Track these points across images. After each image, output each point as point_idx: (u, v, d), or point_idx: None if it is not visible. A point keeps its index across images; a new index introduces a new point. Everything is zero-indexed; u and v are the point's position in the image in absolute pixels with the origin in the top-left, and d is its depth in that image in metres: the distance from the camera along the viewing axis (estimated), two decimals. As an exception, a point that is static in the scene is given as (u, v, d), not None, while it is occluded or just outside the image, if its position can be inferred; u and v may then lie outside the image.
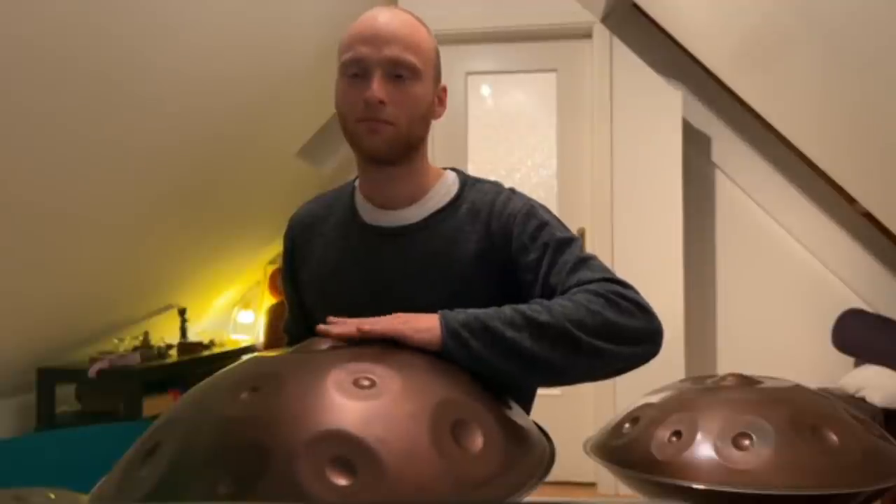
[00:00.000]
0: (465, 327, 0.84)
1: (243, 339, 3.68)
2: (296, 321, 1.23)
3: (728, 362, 3.21)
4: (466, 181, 1.12)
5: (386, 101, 0.98)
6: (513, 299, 0.91)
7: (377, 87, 0.97)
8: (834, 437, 0.87)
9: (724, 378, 1.02)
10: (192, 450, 0.63)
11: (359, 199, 1.12)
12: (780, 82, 2.57)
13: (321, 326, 0.85)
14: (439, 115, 1.10)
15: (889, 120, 2.10)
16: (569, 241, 1.01)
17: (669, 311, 2.92)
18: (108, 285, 2.76)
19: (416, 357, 0.78)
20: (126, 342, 3.00)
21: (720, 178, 3.26)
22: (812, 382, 1.38)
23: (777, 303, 3.19)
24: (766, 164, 3.20)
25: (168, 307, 3.26)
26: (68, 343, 2.83)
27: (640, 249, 3.05)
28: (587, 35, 3.17)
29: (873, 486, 0.83)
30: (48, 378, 2.73)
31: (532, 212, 1.05)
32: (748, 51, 2.54)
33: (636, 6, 3.15)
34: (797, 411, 0.90)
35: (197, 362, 3.09)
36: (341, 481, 0.58)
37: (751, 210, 3.23)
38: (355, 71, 0.99)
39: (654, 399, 1.00)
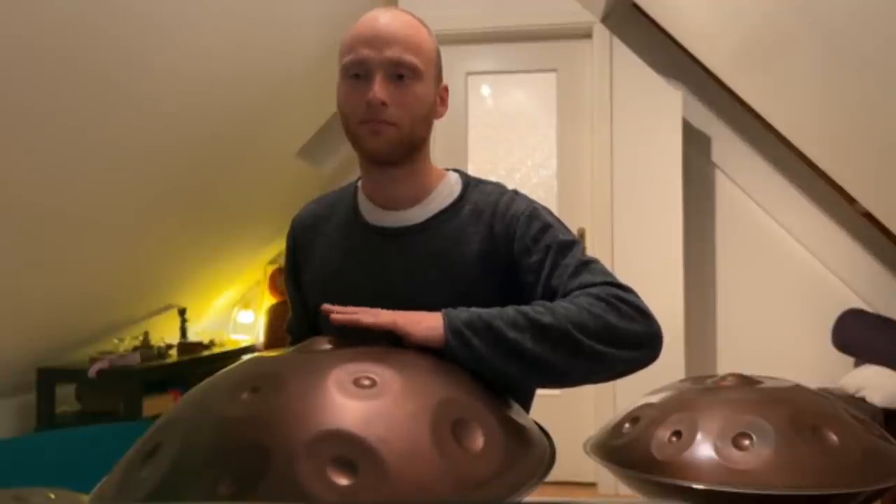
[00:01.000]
0: (467, 326, 0.84)
1: (243, 339, 3.68)
2: (298, 321, 1.23)
3: (728, 362, 3.21)
4: (469, 182, 1.12)
5: (388, 103, 0.98)
6: (514, 300, 0.91)
7: (379, 89, 0.97)
8: (834, 437, 0.87)
9: (724, 378, 1.02)
10: (193, 450, 0.63)
11: (361, 199, 1.13)
12: (780, 82, 2.57)
13: (325, 305, 0.85)
14: (441, 115, 1.10)
15: (889, 120, 2.10)
16: (571, 244, 1.02)
17: (669, 312, 2.92)
18: (108, 285, 2.76)
19: (416, 357, 0.78)
20: (126, 342, 3.00)
21: (720, 178, 3.27)
22: (812, 382, 1.38)
23: (777, 303, 3.19)
24: (766, 164, 3.20)
25: (168, 307, 3.26)
26: (68, 343, 2.83)
27: (640, 249, 3.05)
28: (587, 35, 3.17)
29: (873, 486, 0.83)
30: (48, 378, 2.73)
31: (535, 214, 1.05)
32: (748, 51, 2.54)
33: (636, 6, 3.15)
34: (797, 411, 0.90)
35: (197, 362, 3.09)
36: (342, 481, 0.58)
37: (751, 210, 3.23)
38: (357, 72, 0.99)
39: (654, 399, 1.00)
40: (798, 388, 0.99)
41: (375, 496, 0.58)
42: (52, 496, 0.94)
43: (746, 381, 1.00)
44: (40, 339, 2.66)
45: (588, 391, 3.05)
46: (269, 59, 2.68)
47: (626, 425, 0.98)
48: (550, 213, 1.08)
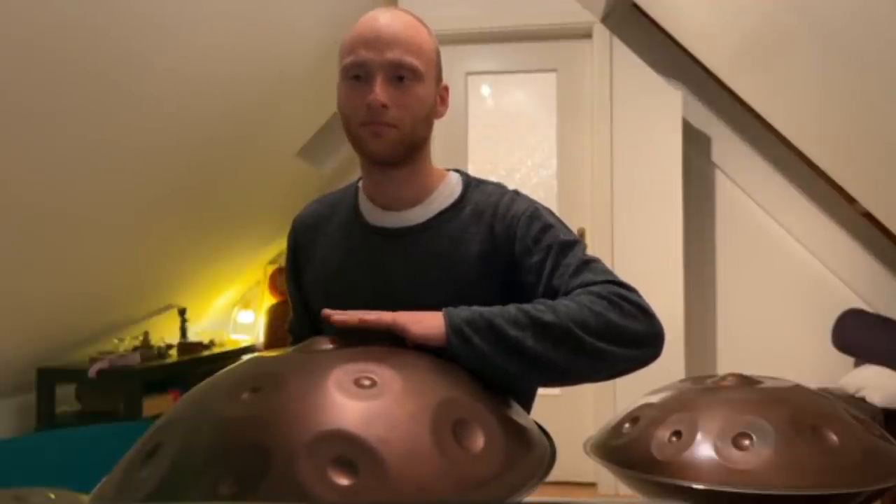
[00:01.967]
0: (469, 324, 0.84)
1: (243, 339, 3.68)
2: (300, 322, 1.23)
3: (728, 362, 3.21)
4: (470, 182, 1.12)
5: (388, 105, 0.98)
6: (515, 301, 0.91)
7: (380, 91, 0.97)
8: (834, 437, 0.87)
9: (724, 378, 1.02)
10: (193, 450, 0.63)
11: (362, 199, 1.13)
12: (780, 82, 2.57)
13: (326, 310, 0.85)
14: (441, 115, 1.10)
15: (889, 120, 2.10)
16: (572, 244, 1.02)
17: (669, 311, 2.92)
18: (108, 285, 2.76)
19: (417, 357, 0.78)
20: (126, 342, 3.00)
21: (720, 178, 3.27)
22: (812, 382, 1.38)
23: (777, 303, 3.19)
24: (766, 164, 3.20)
25: (168, 307, 3.26)
26: (68, 343, 2.84)
27: (640, 249, 3.05)
28: (587, 35, 3.17)
29: (873, 486, 0.83)
30: (48, 378, 2.73)
31: (536, 214, 1.05)
32: (748, 50, 2.54)
33: (636, 6, 3.15)
34: (797, 411, 0.90)
35: (197, 362, 3.09)
36: (342, 481, 0.58)
37: (751, 210, 3.23)
38: (357, 74, 1.00)
39: (654, 399, 1.00)
40: (798, 388, 0.99)
41: (375, 496, 0.58)
42: (52, 496, 0.94)
43: (746, 381, 1.00)
44: (40, 339, 2.66)
45: (588, 391, 3.05)
46: (269, 60, 2.68)
47: (626, 425, 0.98)
48: (551, 213, 1.08)
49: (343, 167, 3.58)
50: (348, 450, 0.60)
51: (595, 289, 0.92)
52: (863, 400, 2.56)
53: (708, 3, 2.53)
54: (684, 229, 3.05)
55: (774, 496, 0.81)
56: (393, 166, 1.04)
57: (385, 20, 1.00)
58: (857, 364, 2.89)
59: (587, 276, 0.96)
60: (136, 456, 0.67)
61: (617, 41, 3.13)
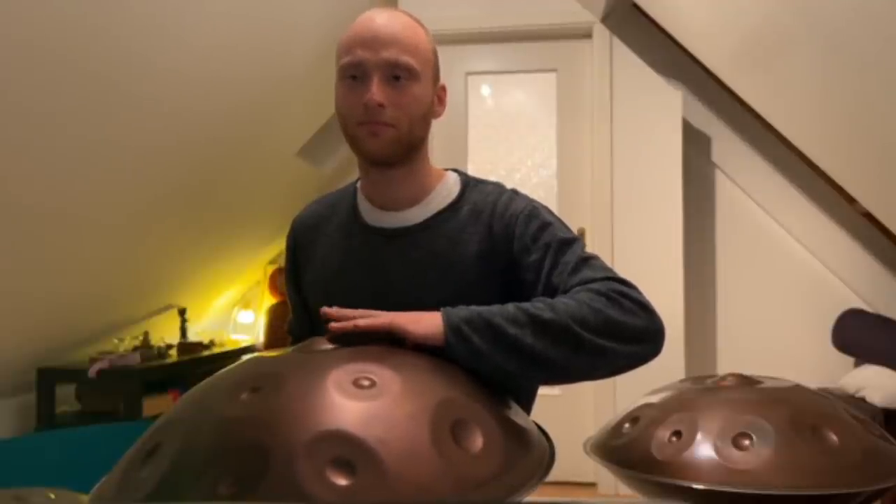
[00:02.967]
0: (467, 323, 0.84)
1: (243, 339, 3.68)
2: (299, 322, 1.23)
3: (728, 362, 3.21)
4: (468, 182, 1.13)
5: (385, 104, 0.98)
6: (515, 300, 0.91)
7: (376, 91, 0.97)
8: (834, 437, 0.87)
9: (724, 378, 1.02)
10: (193, 450, 0.63)
11: (360, 199, 1.13)
12: (780, 82, 2.57)
13: (325, 308, 0.85)
14: (439, 115, 1.10)
15: (889, 120, 2.10)
16: (571, 242, 1.02)
17: (669, 311, 2.92)
18: (108, 285, 2.76)
19: (416, 357, 0.78)
20: (126, 342, 3.00)
21: (720, 178, 3.26)
22: (812, 382, 1.38)
23: (777, 303, 3.19)
24: (766, 164, 3.20)
25: (168, 307, 3.26)
26: (68, 343, 2.84)
27: (640, 249, 3.05)
28: (587, 35, 3.17)
29: (873, 486, 0.83)
30: (48, 378, 2.73)
31: (534, 212, 1.05)
32: (748, 51, 2.54)
33: (636, 6, 3.15)
34: (797, 411, 0.90)
35: (197, 362, 3.09)
36: (341, 481, 0.58)
37: (751, 210, 3.23)
38: (354, 74, 1.00)
39: (654, 399, 1.00)
40: (798, 388, 0.99)
41: (374, 497, 0.58)
42: (52, 496, 0.94)
43: (746, 381, 1.00)
44: (40, 339, 2.66)
45: (588, 391, 3.05)
46: (269, 59, 2.68)
47: (626, 425, 0.98)
48: (550, 211, 1.08)
49: (343, 167, 3.58)
50: (347, 450, 0.60)
51: (594, 286, 0.92)
52: (863, 400, 2.56)
53: (708, 3, 2.53)
54: (684, 229, 3.05)
55: (774, 496, 0.81)
56: (391, 166, 1.04)
57: (382, 20, 1.00)
58: (857, 364, 2.89)
59: (586, 274, 0.95)
60: (136, 456, 0.67)
61: (617, 41, 3.12)
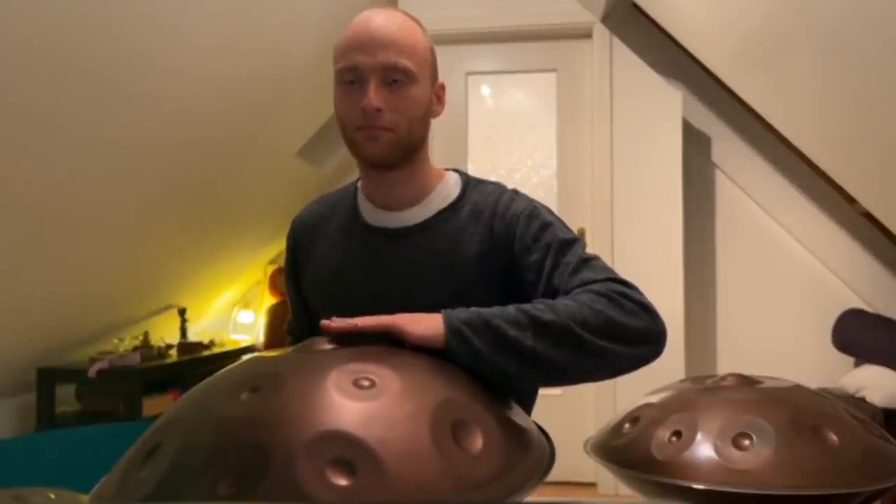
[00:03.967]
0: (467, 325, 0.83)
1: (243, 339, 3.68)
2: (299, 322, 1.23)
3: (728, 362, 3.21)
4: (469, 182, 1.12)
5: (383, 108, 0.97)
6: (516, 300, 0.91)
7: (374, 95, 0.97)
8: (834, 437, 0.87)
9: (724, 378, 1.02)
10: (193, 450, 0.63)
11: (361, 199, 1.13)
12: (780, 82, 2.57)
13: (324, 321, 0.84)
14: (438, 114, 1.10)
15: (889, 120, 2.10)
16: (572, 242, 1.01)
17: (669, 311, 2.92)
18: (108, 285, 2.76)
19: (415, 357, 0.78)
20: (126, 342, 3.00)
21: (720, 178, 3.26)
22: (812, 382, 1.38)
23: (777, 303, 3.19)
24: (766, 164, 3.20)
25: (168, 307, 3.26)
26: (68, 343, 2.83)
27: (640, 249, 3.05)
28: (587, 35, 3.17)
29: (873, 486, 0.83)
30: (48, 378, 2.73)
31: (535, 213, 1.05)
32: (748, 51, 2.54)
33: (636, 6, 3.15)
34: (797, 411, 0.90)
35: (197, 362, 3.09)
36: (341, 482, 0.58)
37: (751, 210, 3.23)
38: (351, 78, 0.99)
39: (654, 399, 1.00)
40: (798, 388, 0.99)
41: (374, 497, 0.58)
42: (52, 496, 0.94)
43: (746, 381, 1.00)
44: (40, 339, 2.66)
45: (588, 391, 3.05)
46: (269, 59, 2.68)
47: (626, 425, 0.98)
48: (550, 211, 1.08)
49: (343, 167, 3.58)
50: (347, 450, 0.60)
51: (595, 287, 0.91)
52: (863, 400, 2.56)
53: (708, 3, 2.53)
54: (684, 229, 3.05)
55: (774, 496, 0.81)
56: (391, 168, 1.04)
57: (378, 22, 0.99)
58: (857, 364, 2.89)
59: (587, 274, 0.95)
60: (136, 456, 0.67)
61: (617, 41, 3.12)
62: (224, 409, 0.66)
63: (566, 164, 3.24)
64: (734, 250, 3.24)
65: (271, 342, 3.54)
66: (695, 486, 0.83)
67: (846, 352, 2.95)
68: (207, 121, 2.58)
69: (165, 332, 3.27)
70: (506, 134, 3.32)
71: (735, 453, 0.85)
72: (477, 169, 3.26)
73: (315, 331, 1.15)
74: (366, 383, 0.67)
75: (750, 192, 3.22)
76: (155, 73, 2.22)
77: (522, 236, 1.03)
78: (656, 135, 3.07)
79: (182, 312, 3.27)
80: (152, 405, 2.78)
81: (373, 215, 1.10)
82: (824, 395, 0.99)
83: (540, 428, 0.83)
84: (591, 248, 3.41)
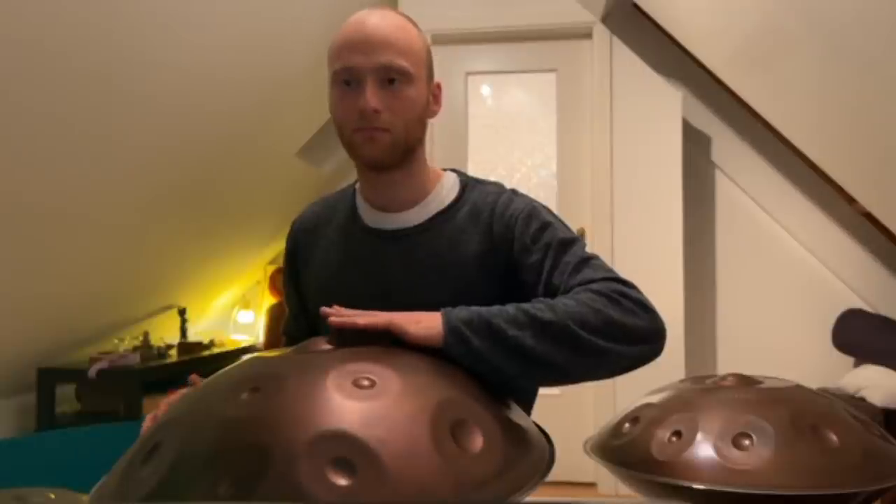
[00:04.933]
0: (466, 324, 0.83)
1: (243, 339, 3.68)
2: (297, 324, 1.23)
3: (728, 362, 3.21)
4: (467, 182, 1.12)
5: (380, 109, 0.97)
6: (515, 300, 0.90)
7: (370, 96, 0.96)
8: (834, 437, 0.87)
9: (724, 378, 1.02)
10: (193, 450, 0.63)
11: (360, 201, 1.12)
12: (780, 82, 2.57)
13: (324, 308, 0.85)
14: (435, 114, 1.09)
15: (889, 120, 2.10)
16: (571, 242, 1.01)
17: (669, 311, 2.91)
18: (108, 285, 2.76)
19: (415, 357, 0.78)
20: (126, 342, 3.00)
21: (720, 178, 3.27)
22: (812, 382, 1.38)
23: (777, 303, 3.19)
24: (766, 164, 3.20)
25: (168, 307, 3.26)
26: (68, 343, 2.84)
27: (640, 249, 3.05)
28: (587, 35, 3.17)
29: (873, 486, 0.83)
30: (48, 378, 2.73)
31: (534, 213, 1.05)
32: (748, 51, 2.54)
33: (636, 6, 3.15)
34: (797, 411, 0.90)
35: (197, 362, 3.09)
36: (341, 482, 0.58)
37: (751, 210, 3.23)
38: (347, 79, 0.99)
39: (654, 399, 1.00)
40: (798, 388, 0.99)
41: (374, 497, 0.58)
42: (52, 496, 0.94)
43: (746, 381, 1.00)
44: (40, 339, 2.66)
45: (588, 391, 3.05)
46: (269, 60, 2.68)
47: (626, 425, 0.97)
48: (550, 211, 1.08)
49: (342, 167, 3.58)
50: (347, 450, 0.60)
51: (595, 286, 0.91)
52: (863, 400, 2.56)
53: (708, 4, 2.53)
54: (684, 229, 3.05)
55: (774, 496, 0.81)
56: (388, 169, 1.04)
57: (373, 22, 0.99)
58: (857, 364, 2.89)
59: (587, 274, 0.95)
60: (136, 456, 0.67)
61: (617, 41, 3.12)
62: (224, 409, 0.66)
63: (566, 164, 3.24)
64: (734, 250, 3.25)
65: (271, 342, 3.54)
66: (695, 486, 0.83)
67: (846, 352, 2.95)
68: (208, 121, 2.58)
69: (165, 332, 3.27)
70: (506, 134, 3.32)
71: (735, 453, 0.85)
72: (477, 169, 3.26)
73: (314, 333, 1.16)
74: (366, 383, 0.67)
75: (750, 192, 3.22)
76: (155, 73, 2.22)
77: (522, 236, 1.02)
78: (656, 135, 3.07)
79: (182, 312, 3.27)
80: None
81: (371, 217, 1.10)
82: (824, 395, 0.99)
83: (539, 428, 0.83)
84: (590, 248, 3.41)
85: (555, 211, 1.10)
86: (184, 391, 0.89)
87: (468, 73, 3.31)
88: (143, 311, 3.13)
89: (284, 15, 2.60)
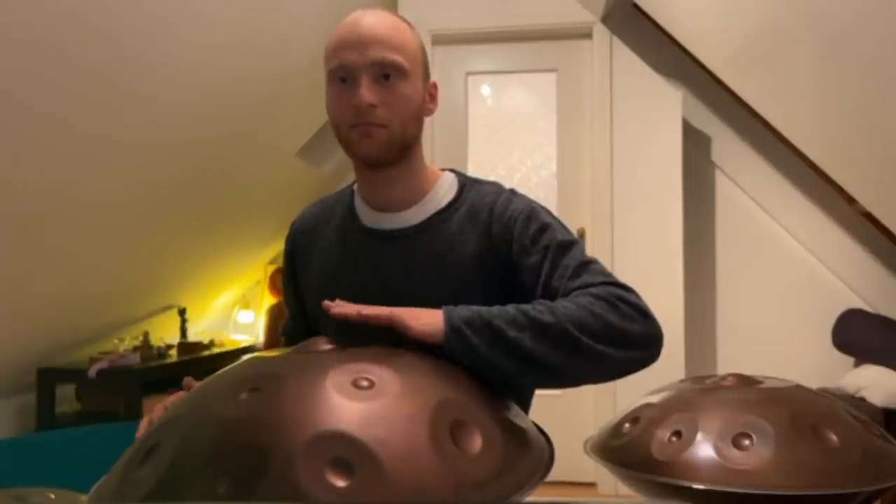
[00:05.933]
0: (467, 324, 0.84)
1: (243, 339, 3.68)
2: (296, 325, 1.23)
3: (728, 362, 3.21)
4: (465, 182, 1.12)
5: (376, 104, 0.98)
6: (514, 301, 0.91)
7: (366, 91, 0.97)
8: (834, 437, 0.87)
9: (724, 378, 1.02)
10: (192, 450, 0.63)
11: (358, 202, 1.13)
12: (780, 82, 2.57)
13: (326, 302, 0.85)
14: (431, 112, 1.09)
15: (889, 120, 2.10)
16: (570, 244, 1.01)
17: (669, 311, 2.92)
18: (108, 285, 2.76)
19: (415, 358, 0.78)
20: (126, 342, 3.00)
21: (720, 178, 3.27)
22: (812, 382, 1.38)
23: (777, 303, 3.19)
24: (766, 164, 3.20)
25: (168, 307, 3.26)
26: (68, 343, 2.84)
27: (640, 249, 3.05)
28: (587, 35, 3.17)
29: (873, 486, 0.83)
30: (48, 378, 2.73)
31: (533, 214, 1.04)
32: (748, 51, 2.54)
33: (636, 6, 3.15)
34: (797, 411, 0.90)
35: (197, 362, 3.09)
36: (340, 482, 0.58)
37: (751, 210, 3.23)
38: (343, 76, 1.00)
39: (654, 399, 1.00)
40: (798, 388, 0.99)
41: (373, 497, 0.58)
42: (52, 496, 0.94)
43: (746, 381, 1.00)
44: (40, 339, 2.66)
45: (588, 391, 3.05)
46: (269, 59, 2.68)
47: (626, 425, 0.97)
48: (549, 212, 1.08)
49: (343, 168, 3.58)
50: (346, 450, 0.60)
51: (594, 290, 0.91)
52: (863, 400, 2.56)
53: (708, 4, 2.53)
54: (684, 229, 3.05)
55: (774, 496, 0.81)
56: (386, 167, 1.04)
57: (367, 21, 1.00)
58: (857, 364, 2.89)
59: (586, 278, 0.95)
60: (135, 455, 0.67)
61: (617, 41, 3.12)
62: (223, 408, 0.66)
63: (566, 164, 3.24)
64: (734, 250, 3.24)
65: (271, 342, 3.54)
66: (695, 486, 0.83)
67: (846, 352, 2.95)
68: (207, 121, 2.58)
69: (165, 332, 3.27)
70: (506, 134, 3.32)
71: (735, 453, 0.85)
72: (477, 169, 3.26)
73: (313, 335, 1.16)
74: (365, 384, 0.67)
75: (750, 192, 3.22)
76: (155, 72, 2.22)
77: (521, 238, 1.02)
78: (656, 135, 3.07)
79: (182, 312, 3.27)
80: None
81: (369, 217, 1.10)
82: (824, 395, 0.99)
83: (539, 428, 0.83)
84: (590, 249, 3.38)
85: (555, 211, 1.10)
86: (179, 394, 0.90)
87: (468, 73, 3.31)
88: (143, 311, 3.13)
89: (284, 16, 2.60)
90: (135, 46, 2.09)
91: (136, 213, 2.59)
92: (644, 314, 0.91)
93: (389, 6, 3.09)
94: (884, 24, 1.75)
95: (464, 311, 0.86)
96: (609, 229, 3.10)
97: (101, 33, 1.95)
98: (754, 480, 0.81)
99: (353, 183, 1.16)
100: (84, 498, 0.89)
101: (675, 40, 3.12)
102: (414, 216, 1.07)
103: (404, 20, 1.05)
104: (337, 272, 1.10)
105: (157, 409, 0.88)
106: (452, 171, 1.15)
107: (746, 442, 0.85)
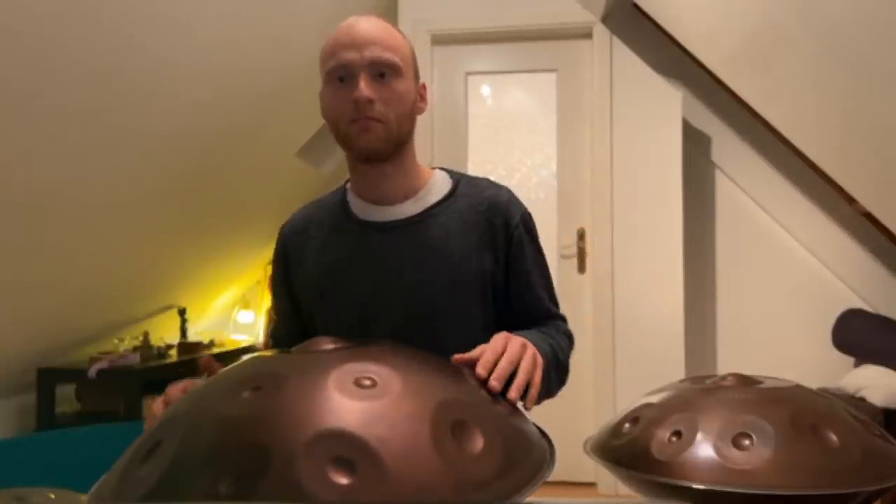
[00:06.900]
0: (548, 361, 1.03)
1: (243, 339, 3.68)
2: (290, 329, 1.23)
3: (728, 362, 3.21)
4: (459, 178, 1.17)
5: (374, 99, 1.02)
6: (504, 290, 1.11)
7: (364, 87, 1.01)
8: (834, 437, 0.87)
9: (724, 378, 1.02)
10: (193, 449, 0.63)
11: (352, 198, 1.16)
12: (779, 82, 2.57)
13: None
14: (422, 111, 1.14)
15: (888, 120, 2.11)
16: (545, 261, 1.19)
17: (669, 311, 2.92)
18: (109, 285, 2.76)
19: (416, 357, 0.78)
20: (126, 342, 3.00)
21: (720, 178, 3.27)
22: (812, 382, 1.38)
23: (777, 303, 3.19)
24: (766, 164, 3.20)
25: (168, 307, 3.26)
26: (68, 343, 2.84)
27: (641, 249, 3.05)
28: (587, 35, 3.17)
29: (873, 486, 0.83)
30: (48, 378, 2.73)
31: (530, 222, 1.17)
32: (748, 51, 2.54)
33: (636, 6, 3.15)
34: (797, 411, 0.90)
35: (197, 362, 3.09)
36: (342, 481, 0.58)
37: (751, 210, 3.23)
38: (341, 75, 1.04)
39: (654, 399, 1.00)
40: (798, 388, 0.99)
41: (375, 496, 0.58)
42: (52, 496, 0.94)
43: (746, 381, 1.00)
44: (40, 339, 2.66)
45: (588, 391, 3.05)
46: (268, 59, 2.68)
47: (626, 425, 0.97)
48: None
49: (342, 167, 3.55)
50: (347, 449, 0.60)
51: (564, 328, 1.18)
52: (863, 400, 2.56)
53: (708, 4, 2.53)
54: (684, 229, 3.05)
55: (774, 496, 0.81)
56: (381, 161, 1.08)
57: (363, 24, 1.06)
58: (857, 364, 2.89)
59: (552, 308, 1.18)
60: (136, 455, 0.67)
61: (617, 41, 3.13)
62: (224, 407, 0.66)
63: (566, 164, 3.24)
64: (734, 250, 3.25)
65: (271, 342, 3.54)
66: (695, 486, 0.83)
67: (846, 352, 2.95)
68: (207, 121, 2.58)
69: (165, 332, 3.27)
70: (506, 134, 3.32)
71: (735, 453, 0.85)
72: (477, 169, 3.26)
73: (308, 335, 1.17)
74: (367, 383, 0.68)
75: (750, 192, 3.22)
76: (154, 72, 2.22)
77: (520, 243, 1.12)
78: (656, 135, 3.07)
79: (182, 312, 3.27)
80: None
81: (365, 211, 1.13)
82: (824, 395, 0.99)
83: (539, 429, 0.83)
84: (590, 249, 3.39)
85: (555, 211, 1.19)
86: (186, 382, 0.95)
87: (468, 73, 3.31)
88: (143, 311, 3.13)
89: (285, 15, 2.60)
90: (136, 47, 2.09)
91: (136, 213, 2.59)
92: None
93: (390, 6, 3.09)
94: (883, 25, 1.75)
95: (542, 343, 1.03)
96: (609, 229, 3.10)
97: (102, 34, 1.96)
98: (754, 480, 0.81)
99: (345, 183, 1.19)
100: (84, 498, 0.89)
101: (675, 40, 3.12)
102: (409, 209, 1.11)
103: (395, 26, 1.12)
104: (334, 266, 1.12)
105: (175, 391, 0.91)
106: (443, 168, 1.20)
107: (746, 442, 0.85)
